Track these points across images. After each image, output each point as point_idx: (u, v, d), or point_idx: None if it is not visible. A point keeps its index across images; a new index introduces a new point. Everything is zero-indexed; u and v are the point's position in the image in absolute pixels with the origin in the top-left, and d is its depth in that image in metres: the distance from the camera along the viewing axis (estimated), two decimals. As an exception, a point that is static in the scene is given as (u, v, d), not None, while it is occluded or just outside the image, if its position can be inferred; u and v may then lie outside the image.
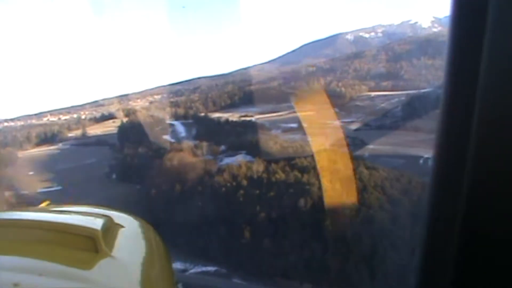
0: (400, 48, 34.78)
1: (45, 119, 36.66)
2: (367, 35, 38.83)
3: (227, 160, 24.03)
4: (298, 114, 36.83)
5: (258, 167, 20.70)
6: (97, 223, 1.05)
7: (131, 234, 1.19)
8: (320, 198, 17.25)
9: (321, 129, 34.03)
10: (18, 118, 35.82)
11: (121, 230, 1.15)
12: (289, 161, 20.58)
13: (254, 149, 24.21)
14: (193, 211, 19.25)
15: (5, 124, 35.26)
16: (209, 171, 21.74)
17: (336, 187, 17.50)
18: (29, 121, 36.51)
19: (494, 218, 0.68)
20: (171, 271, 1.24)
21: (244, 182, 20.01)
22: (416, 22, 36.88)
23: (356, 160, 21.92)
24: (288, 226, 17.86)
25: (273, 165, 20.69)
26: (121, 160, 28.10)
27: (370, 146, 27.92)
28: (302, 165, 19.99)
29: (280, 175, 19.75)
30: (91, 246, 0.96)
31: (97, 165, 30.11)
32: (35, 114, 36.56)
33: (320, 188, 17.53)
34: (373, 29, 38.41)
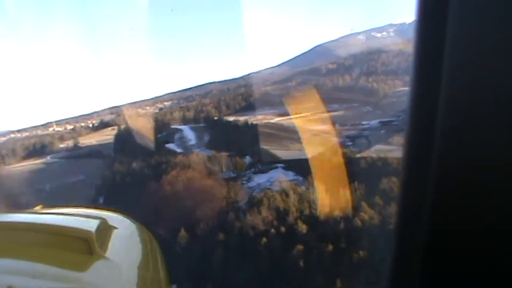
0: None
1: (50, 129, 30.77)
2: (379, 35, 35.32)
3: (259, 179, 14.05)
4: (326, 115, 29.48)
5: (320, 196, 10.29)
6: (91, 225, 0.98)
7: (125, 236, 1.11)
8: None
9: (361, 131, 26.60)
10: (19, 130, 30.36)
11: (115, 232, 1.08)
12: (375, 185, 9.93)
13: (295, 162, 14.37)
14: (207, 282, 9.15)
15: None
16: (235, 202, 11.24)
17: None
18: (24, 133, 30.22)
19: (459, 210, 0.71)
20: (165, 272, 1.13)
21: (302, 228, 9.42)
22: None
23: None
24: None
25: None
26: (111, 180, 19.04)
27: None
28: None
29: (368, 213, 9.26)
30: (85, 248, 0.90)
31: (84, 184, 22.48)
32: (42, 125, 31.39)
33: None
34: (384, 28, 35.08)
